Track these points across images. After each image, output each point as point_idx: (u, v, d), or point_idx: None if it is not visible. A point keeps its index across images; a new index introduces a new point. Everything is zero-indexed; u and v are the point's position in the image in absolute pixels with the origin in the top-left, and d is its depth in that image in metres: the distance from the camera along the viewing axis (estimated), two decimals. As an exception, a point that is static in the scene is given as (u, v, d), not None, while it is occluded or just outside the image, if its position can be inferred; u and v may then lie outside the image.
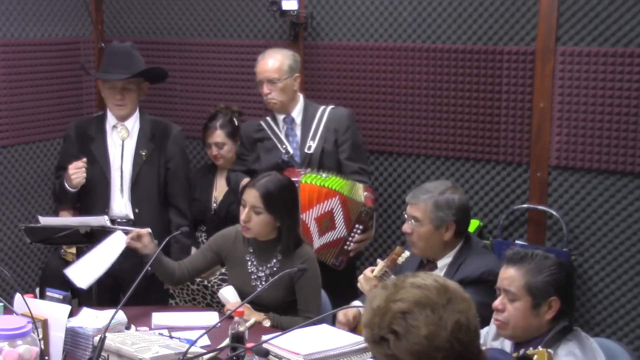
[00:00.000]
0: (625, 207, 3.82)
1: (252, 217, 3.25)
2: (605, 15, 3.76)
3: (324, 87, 4.45)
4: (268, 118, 4.06)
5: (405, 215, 3.27)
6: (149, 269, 3.18)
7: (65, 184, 3.80)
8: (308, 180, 3.79)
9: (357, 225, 3.80)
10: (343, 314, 3.20)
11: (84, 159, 3.80)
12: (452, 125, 4.20)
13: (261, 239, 3.33)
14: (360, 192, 3.81)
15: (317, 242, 3.82)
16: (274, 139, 4.00)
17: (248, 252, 3.38)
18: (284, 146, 3.97)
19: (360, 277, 3.17)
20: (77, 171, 3.76)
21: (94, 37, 5.07)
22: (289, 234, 3.30)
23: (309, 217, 3.80)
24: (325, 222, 3.81)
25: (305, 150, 3.94)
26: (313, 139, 3.95)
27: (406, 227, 3.24)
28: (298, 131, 3.99)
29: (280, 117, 4.00)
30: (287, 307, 3.30)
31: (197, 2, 4.87)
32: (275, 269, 3.31)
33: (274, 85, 3.90)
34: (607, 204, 3.87)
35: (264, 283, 3.30)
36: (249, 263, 3.37)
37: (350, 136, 3.97)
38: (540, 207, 3.99)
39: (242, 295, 3.27)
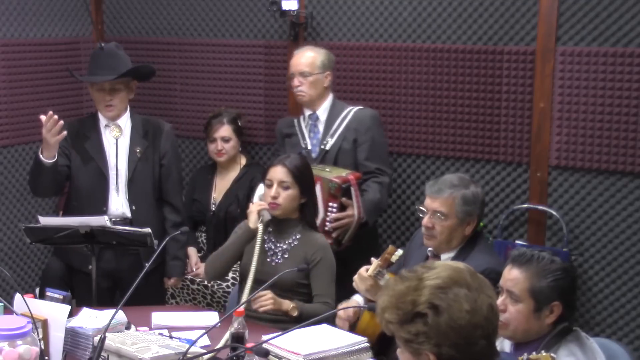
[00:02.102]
0: (625, 207, 3.82)
1: (281, 193, 3.36)
2: (605, 15, 3.76)
3: (324, 87, 4.44)
4: (301, 116, 4.13)
5: (422, 208, 3.21)
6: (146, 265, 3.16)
7: (40, 156, 3.55)
8: None
9: (330, 204, 3.80)
10: (344, 310, 3.21)
11: (55, 116, 3.43)
12: (452, 125, 4.20)
13: (285, 217, 3.40)
14: (337, 173, 3.81)
15: None
16: (299, 135, 4.08)
17: (267, 232, 3.43)
18: (304, 141, 4.05)
19: (356, 277, 3.17)
20: (52, 120, 3.41)
21: (94, 37, 5.06)
22: (312, 207, 3.44)
23: None
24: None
25: (322, 147, 3.99)
26: (332, 136, 4.00)
27: (427, 222, 3.17)
28: (321, 128, 4.04)
29: (307, 113, 4.08)
30: (297, 288, 3.34)
31: (197, 2, 4.87)
32: (293, 245, 3.38)
33: (305, 79, 3.99)
34: (607, 204, 3.86)
35: (279, 259, 3.36)
36: (267, 242, 3.41)
37: (370, 137, 3.97)
38: (540, 207, 3.99)
39: (258, 274, 3.26)
